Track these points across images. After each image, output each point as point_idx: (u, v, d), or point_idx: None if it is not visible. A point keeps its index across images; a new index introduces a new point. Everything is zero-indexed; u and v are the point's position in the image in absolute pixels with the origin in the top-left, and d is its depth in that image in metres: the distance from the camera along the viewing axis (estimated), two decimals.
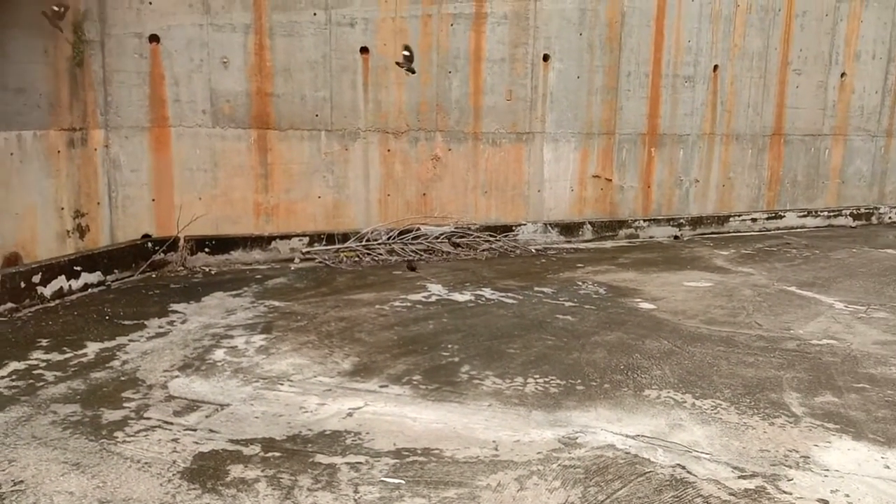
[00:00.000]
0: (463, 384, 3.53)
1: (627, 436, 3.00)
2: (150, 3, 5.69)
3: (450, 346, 4.10)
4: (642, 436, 3.01)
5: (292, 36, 6.22)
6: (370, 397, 3.34)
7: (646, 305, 5.11)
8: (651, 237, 8.12)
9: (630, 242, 7.85)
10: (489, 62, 7.06)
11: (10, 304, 4.50)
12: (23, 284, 4.61)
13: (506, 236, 7.20)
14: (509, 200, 7.43)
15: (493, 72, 7.08)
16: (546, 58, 7.30)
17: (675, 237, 8.23)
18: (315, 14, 6.26)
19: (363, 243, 6.54)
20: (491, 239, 7.05)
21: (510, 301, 5.13)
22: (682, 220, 8.35)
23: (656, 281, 5.92)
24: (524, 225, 7.45)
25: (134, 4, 5.65)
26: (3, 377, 3.45)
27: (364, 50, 6.51)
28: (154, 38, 5.76)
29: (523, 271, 6.18)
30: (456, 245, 6.88)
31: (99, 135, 5.61)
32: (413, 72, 5.93)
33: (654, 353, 4.07)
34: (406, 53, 6.14)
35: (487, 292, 5.36)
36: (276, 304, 4.89)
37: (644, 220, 8.14)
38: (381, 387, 3.47)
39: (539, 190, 7.56)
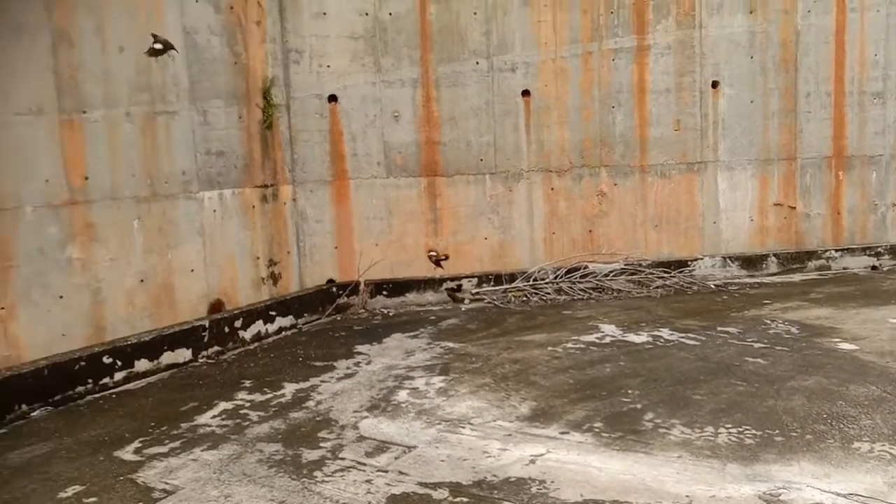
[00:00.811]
0: (648, 433, 3.40)
1: (839, 494, 2.73)
2: (329, 67, 6.17)
3: (630, 391, 3.97)
4: (856, 494, 2.72)
5: (456, 86, 6.46)
6: (551, 444, 3.31)
7: (846, 346, 4.67)
8: (844, 268, 7.43)
9: (821, 275, 7.23)
10: (654, 93, 6.90)
11: (216, 348, 4.98)
12: (226, 329, 5.09)
13: (680, 272, 6.91)
14: (682, 234, 7.14)
15: (658, 103, 6.91)
16: (715, 84, 7.02)
17: (873, 268, 7.47)
18: (477, 63, 6.47)
19: (530, 283, 6.56)
20: (664, 275, 6.80)
21: (692, 342, 4.89)
22: (879, 249, 7.57)
23: (856, 318, 5.39)
24: (700, 259, 7.11)
25: (314, 69, 6.16)
26: (214, 416, 3.81)
27: (525, 93, 6.62)
28: (332, 98, 6.22)
29: (703, 309, 5.88)
30: (627, 282, 6.70)
31: (287, 190, 6.13)
32: None
33: (860, 400, 3.70)
34: None
35: (666, 333, 5.15)
36: (451, 345, 5.01)
37: (835, 250, 7.47)
38: (562, 433, 3.43)
39: (714, 221, 7.20)
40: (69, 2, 4.30)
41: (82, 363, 4.18)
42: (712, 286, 6.74)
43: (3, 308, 4.00)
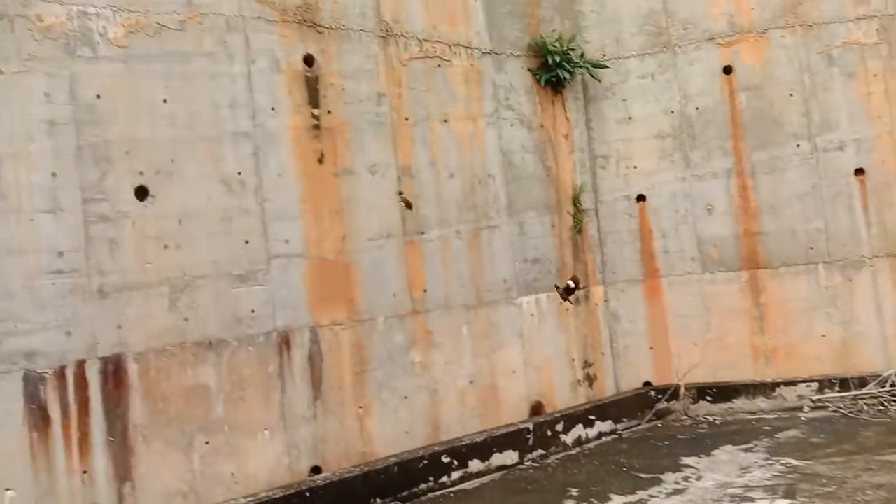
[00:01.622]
0: None
1: None
2: (635, 168, 6.22)
3: None
4: None
5: (774, 172, 6.03)
6: None
7: None
8: None
9: None
10: None
11: (540, 451, 5.08)
12: (548, 432, 5.18)
13: None
14: None
15: None
16: None
17: None
18: (798, 146, 5.99)
19: (885, 388, 5.62)
20: None
21: None
22: None
23: None
24: None
25: (621, 171, 6.25)
26: None
27: (858, 171, 5.92)
28: (640, 198, 6.22)
29: None
30: None
31: (599, 291, 6.18)
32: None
33: None
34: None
35: None
36: (794, 462, 4.45)
37: None
38: None
39: None
40: (409, 140, 5.01)
41: (424, 461, 4.55)
42: None
43: (361, 407, 4.57)
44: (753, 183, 6.06)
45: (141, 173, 3.83)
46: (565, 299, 5.33)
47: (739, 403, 5.88)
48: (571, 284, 5.53)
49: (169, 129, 3.94)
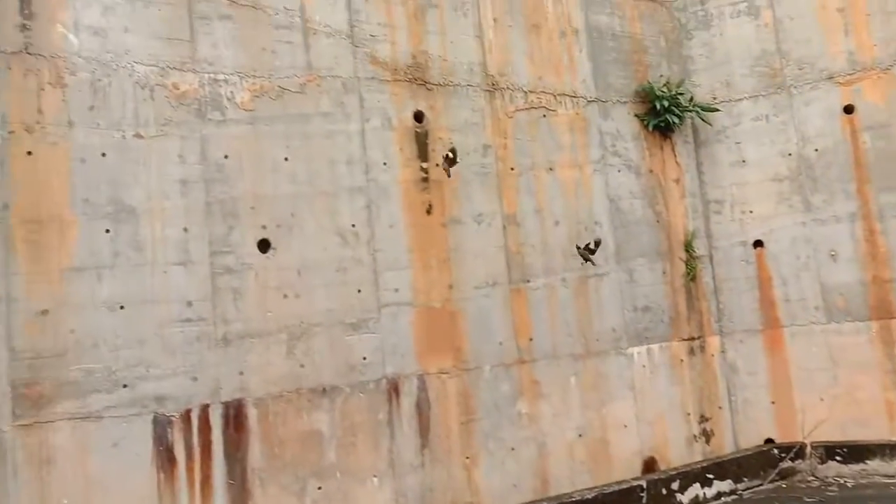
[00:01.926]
0: None
1: None
2: (751, 212, 5.97)
3: None
4: None
5: None
6: None
7: None
8: None
9: None
10: None
11: None
12: (663, 491, 4.94)
13: None
14: None
15: None
16: None
17: None
18: None
19: None
20: None
21: None
22: None
23: None
24: None
25: (736, 216, 6.01)
26: None
27: None
28: (757, 244, 5.95)
29: None
30: None
31: (715, 341, 5.91)
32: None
33: None
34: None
35: None
36: None
37: None
38: None
39: None
40: (514, 190, 5.05)
41: None
42: None
43: (467, 457, 4.55)
44: (882, 227, 5.67)
45: (264, 227, 4.06)
46: (587, 260, 5.04)
47: (874, 465, 5.40)
48: (592, 245, 5.23)
49: (289, 186, 4.17)
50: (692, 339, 5.77)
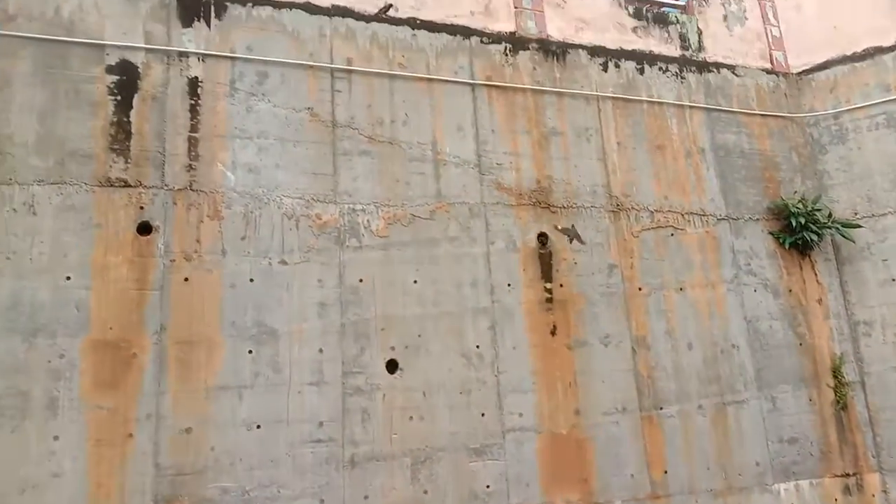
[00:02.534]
0: None
1: None
2: None
3: None
4: None
5: None
6: None
7: None
8: None
9: None
10: None
11: None
12: None
13: None
14: None
15: None
16: None
17: None
18: None
19: None
20: None
21: None
22: None
23: None
24: None
25: (889, 339, 5.51)
26: None
27: None
28: None
29: None
30: None
31: (874, 479, 5.30)
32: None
33: None
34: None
35: None
36: None
37: None
38: None
39: None
40: (643, 310, 4.91)
41: None
42: None
43: None
44: None
45: (392, 348, 4.15)
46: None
47: None
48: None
49: (417, 307, 4.28)
50: (847, 475, 5.20)
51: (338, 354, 4.03)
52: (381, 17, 4.67)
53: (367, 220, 4.28)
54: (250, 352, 3.86)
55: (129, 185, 3.83)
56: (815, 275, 5.62)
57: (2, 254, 3.54)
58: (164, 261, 3.81)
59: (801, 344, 5.33)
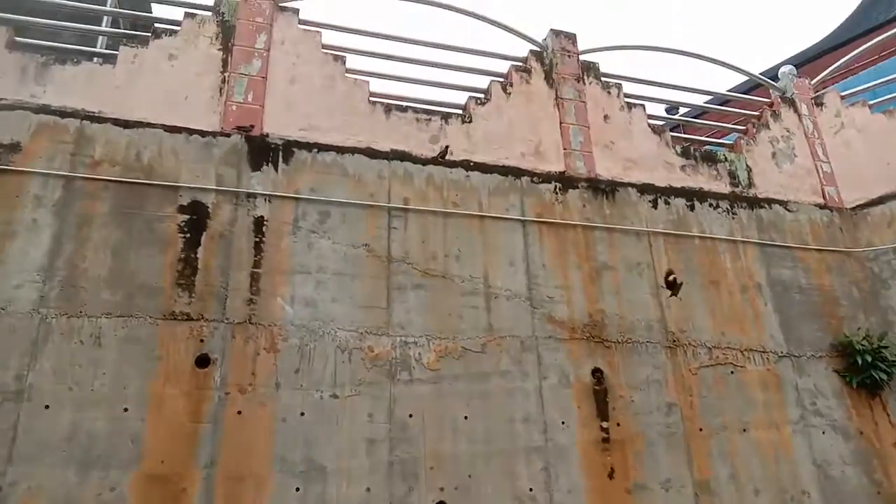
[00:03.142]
0: None
1: None
2: None
3: None
4: None
5: None
6: None
7: None
8: None
9: None
10: None
11: None
12: None
13: None
14: None
15: None
16: None
17: None
18: None
19: None
20: None
21: None
22: None
23: None
24: None
25: None
26: None
27: None
28: None
29: None
30: None
31: None
32: None
33: None
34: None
35: None
36: None
37: None
38: None
39: None
40: (704, 452, 4.67)
41: None
42: None
43: None
44: None
45: (441, 489, 4.02)
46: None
47: None
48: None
49: (467, 445, 4.17)
50: None
51: (385, 494, 3.91)
52: (438, 160, 4.91)
53: (419, 353, 4.29)
54: (297, 489, 3.78)
55: (192, 319, 3.96)
56: (888, 416, 5.31)
57: (64, 384, 3.65)
58: (220, 393, 3.86)
59: (878, 492, 4.95)
